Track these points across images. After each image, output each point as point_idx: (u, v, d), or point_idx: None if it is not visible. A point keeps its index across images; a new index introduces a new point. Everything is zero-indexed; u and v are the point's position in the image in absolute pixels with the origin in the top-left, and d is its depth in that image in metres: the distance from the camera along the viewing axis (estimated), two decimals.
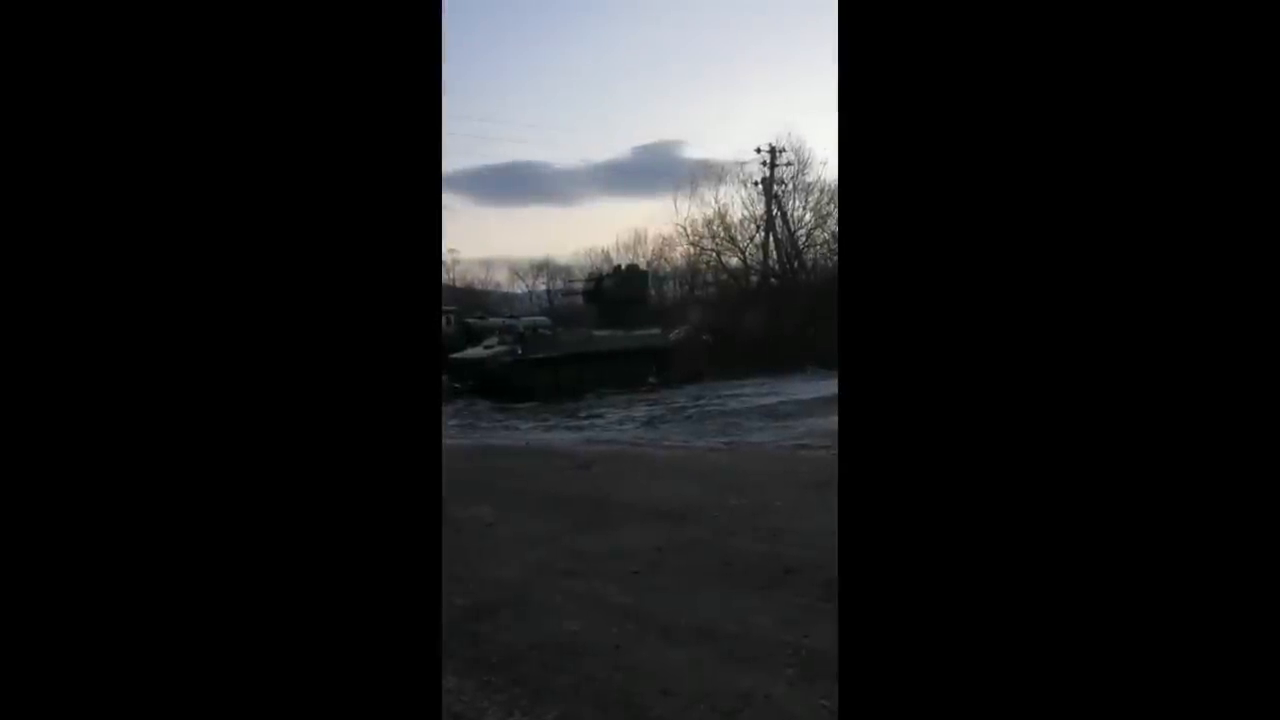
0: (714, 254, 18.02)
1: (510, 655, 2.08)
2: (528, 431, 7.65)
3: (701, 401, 9.38)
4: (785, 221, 17.49)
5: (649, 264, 18.53)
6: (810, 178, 17.67)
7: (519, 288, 26.87)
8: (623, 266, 15.32)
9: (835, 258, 15.37)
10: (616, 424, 7.88)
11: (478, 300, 22.47)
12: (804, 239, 17.65)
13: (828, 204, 16.95)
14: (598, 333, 12.09)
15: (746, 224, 17.75)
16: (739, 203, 18.65)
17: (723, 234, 17.79)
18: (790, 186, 17.59)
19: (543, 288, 24.89)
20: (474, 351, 11.34)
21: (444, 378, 10.23)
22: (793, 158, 17.53)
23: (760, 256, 17.52)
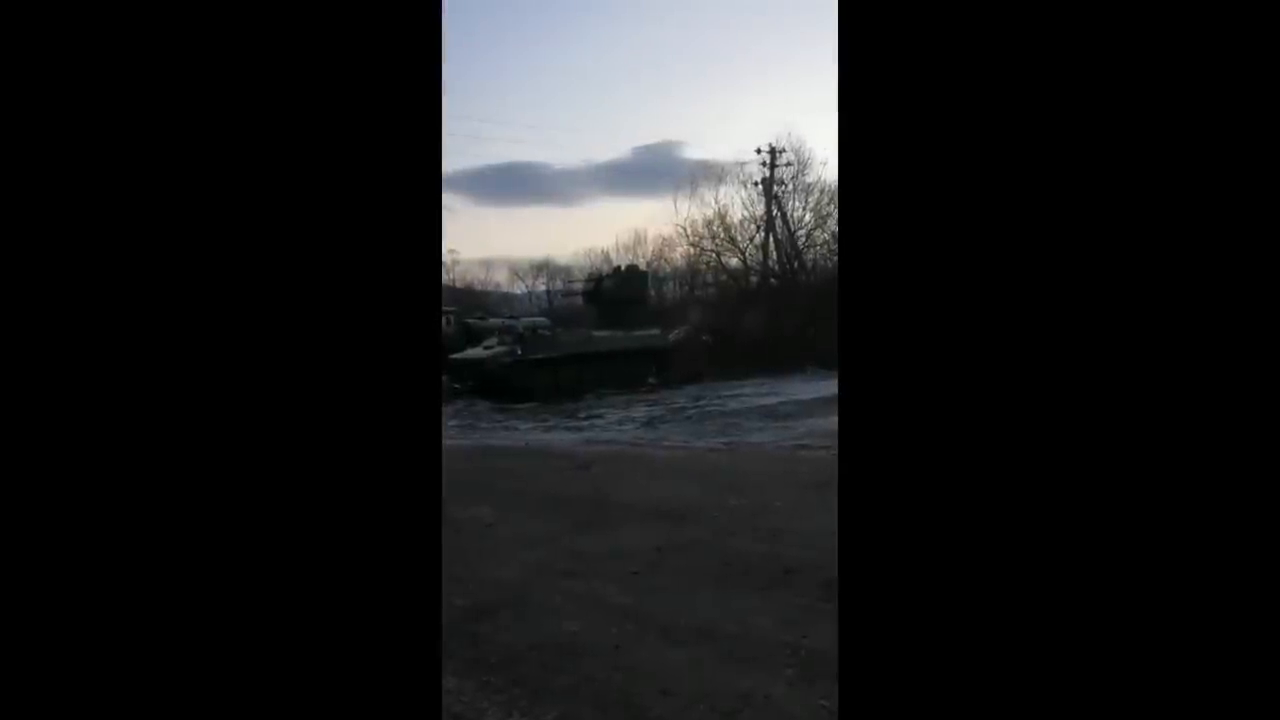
0: (714, 254, 18.03)
1: (510, 655, 2.08)
2: (527, 432, 7.65)
3: (701, 402, 9.38)
4: (785, 222, 17.50)
5: (649, 264, 18.55)
6: (810, 178, 17.69)
7: (519, 288, 26.90)
8: (622, 267, 15.33)
9: (835, 258, 15.38)
10: (616, 424, 7.88)
11: (477, 301, 22.47)
12: (804, 239, 17.67)
13: (828, 204, 16.96)
14: (597, 333, 12.09)
15: (746, 224, 17.77)
16: (739, 203, 18.70)
17: (723, 234, 17.80)
18: (790, 187, 17.61)
19: (542, 288, 24.91)
20: (474, 352, 11.34)
21: (444, 378, 10.23)
22: (793, 158, 17.55)
23: (760, 257, 17.53)
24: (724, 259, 17.86)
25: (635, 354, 11.88)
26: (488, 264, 28.31)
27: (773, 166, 17.34)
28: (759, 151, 17.38)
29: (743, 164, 17.77)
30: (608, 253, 21.56)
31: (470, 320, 14.70)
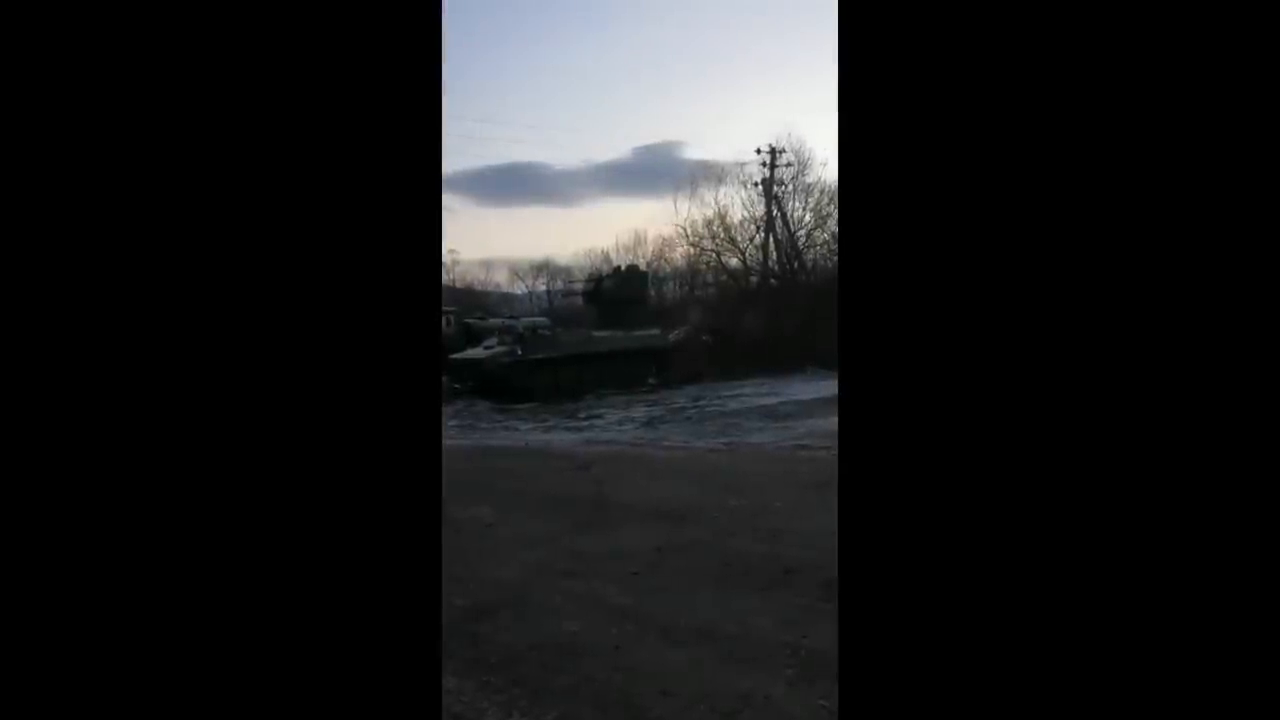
0: (714, 255, 18.04)
1: (510, 656, 2.08)
2: (527, 432, 7.65)
3: (701, 402, 9.38)
4: (785, 222, 17.50)
5: (649, 265, 18.55)
6: (810, 179, 17.70)
7: (519, 288, 26.90)
8: (622, 267, 15.34)
9: (835, 258, 15.38)
10: (616, 424, 7.88)
11: (478, 301, 22.48)
12: (804, 240, 17.67)
13: (827, 205, 16.96)
14: (597, 333, 12.10)
15: (746, 225, 17.77)
16: (739, 203, 18.71)
17: (723, 235, 17.81)
18: (790, 187, 17.61)
19: (543, 288, 24.91)
20: (474, 352, 11.34)
21: (444, 378, 10.23)
22: (793, 159, 17.55)
23: (760, 257, 17.53)
24: (724, 259, 17.88)
25: (635, 354, 11.88)
26: (488, 264, 28.33)
27: (773, 167, 17.34)
28: (759, 152, 17.39)
29: (743, 164, 17.79)
30: (608, 253, 21.58)
31: (470, 320, 14.70)
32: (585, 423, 8.16)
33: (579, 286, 15.84)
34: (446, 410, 9.00)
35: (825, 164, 18.46)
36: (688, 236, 18.25)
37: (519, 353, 10.69)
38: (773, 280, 17.05)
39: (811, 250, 17.54)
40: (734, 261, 17.79)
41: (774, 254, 17.44)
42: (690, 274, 18.92)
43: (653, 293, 16.43)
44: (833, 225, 16.53)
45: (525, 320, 13.59)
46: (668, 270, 19.90)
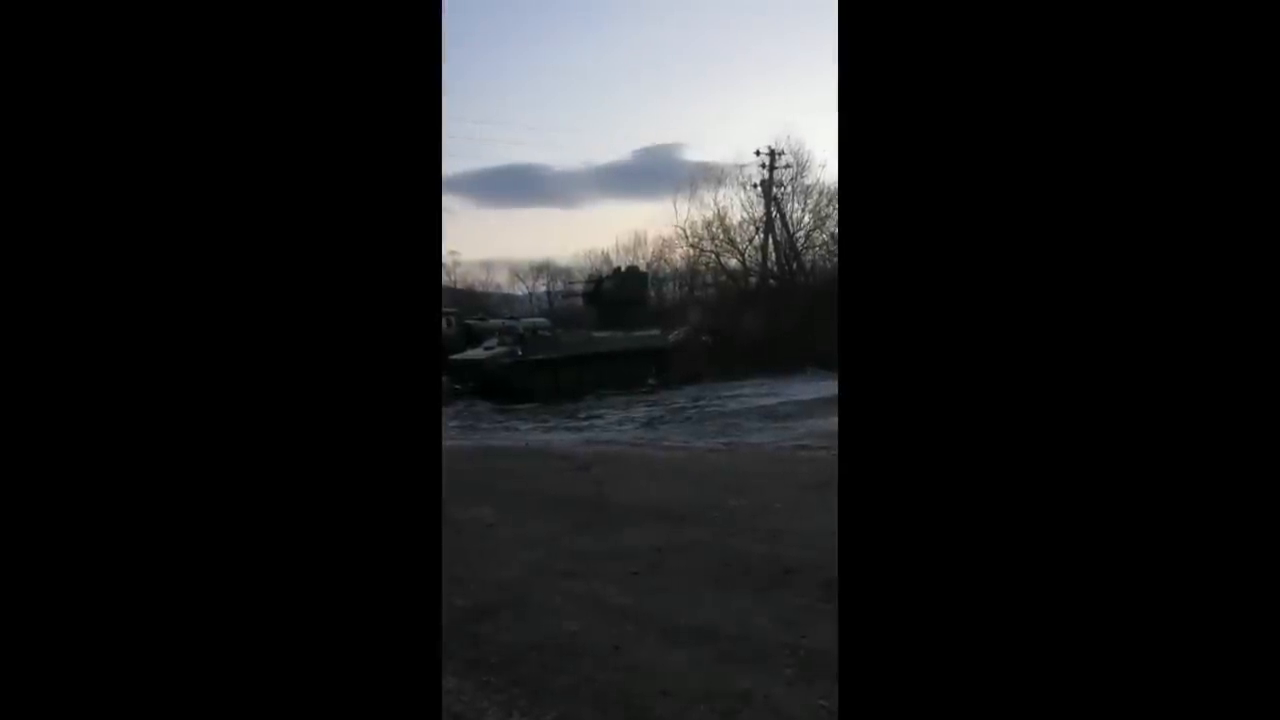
0: (713, 256, 18.06)
1: (510, 656, 2.09)
2: (528, 433, 7.65)
3: (701, 402, 9.39)
4: (784, 223, 17.52)
5: (649, 266, 18.56)
6: (809, 180, 17.73)
7: (519, 289, 26.90)
8: (622, 268, 15.36)
9: (834, 259, 15.41)
10: (616, 425, 7.88)
11: (478, 302, 22.48)
12: (803, 241, 17.69)
13: (826, 206, 16.99)
14: (597, 334, 12.11)
15: (746, 226, 17.79)
16: (738, 205, 18.73)
17: (722, 236, 17.83)
18: (789, 189, 17.64)
19: (543, 289, 24.91)
20: (474, 353, 11.35)
21: (444, 379, 10.24)
22: (792, 160, 17.58)
23: (759, 258, 17.55)
24: (723, 260, 17.90)
25: (635, 355, 11.89)
26: (488, 265, 28.32)
27: (772, 169, 17.36)
28: (758, 154, 17.41)
29: (742, 166, 17.82)
30: (608, 254, 21.60)
31: (471, 321, 14.71)
32: (585, 423, 8.17)
33: (579, 287, 15.85)
34: (447, 411, 9.01)
35: (824, 165, 18.52)
36: (687, 238, 18.29)
37: (519, 353, 10.70)
38: (772, 281, 17.07)
39: (810, 251, 17.58)
40: (733, 262, 17.82)
41: (773, 255, 17.46)
42: (690, 275, 18.95)
43: (652, 294, 16.46)
44: (831, 226, 16.55)
45: (526, 321, 13.59)
46: (667, 271, 19.93)
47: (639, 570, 2.78)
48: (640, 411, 8.84)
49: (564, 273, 24.04)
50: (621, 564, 2.86)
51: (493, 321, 14.84)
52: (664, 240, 19.99)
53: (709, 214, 18.15)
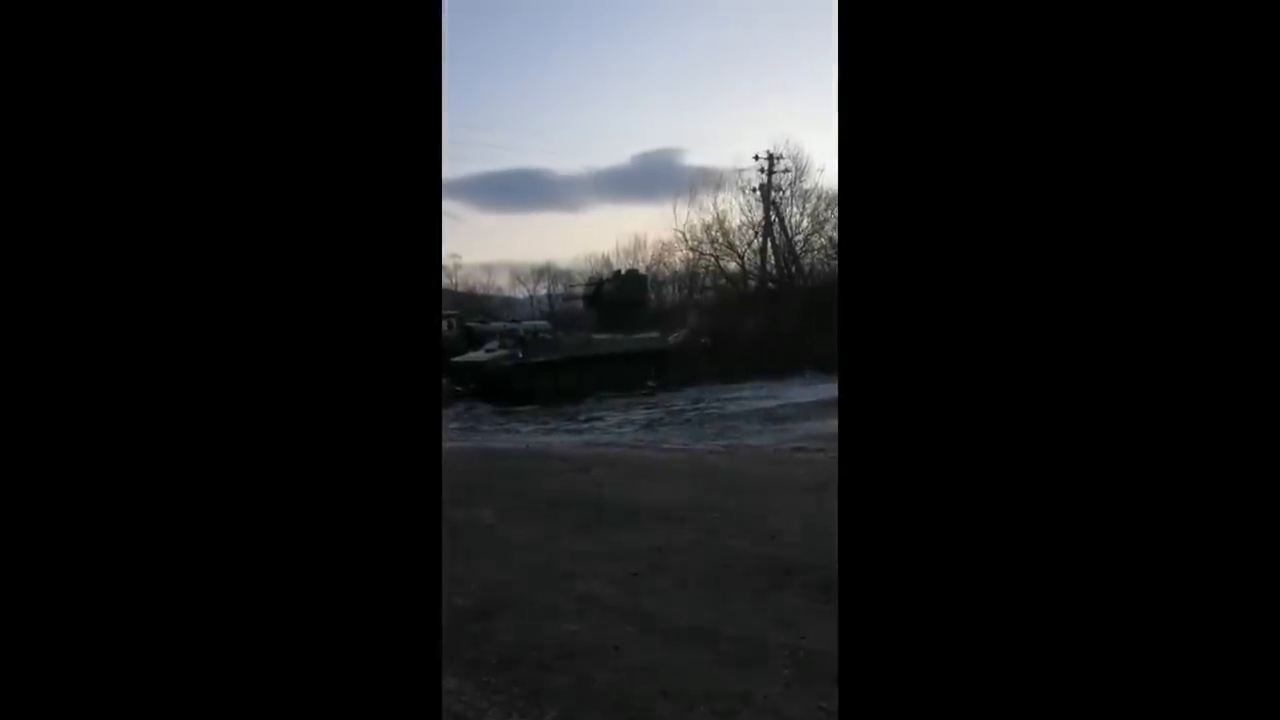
0: (713, 259, 18.10)
1: (510, 656, 2.09)
2: (528, 434, 7.65)
3: (700, 405, 9.39)
4: (783, 227, 17.55)
5: (649, 269, 18.61)
6: (807, 185, 17.78)
7: (520, 292, 26.89)
8: (623, 271, 15.37)
9: (832, 263, 15.44)
10: (616, 427, 7.89)
11: (480, 305, 22.47)
12: (801, 244, 17.72)
13: (824, 210, 17.03)
14: (598, 336, 12.12)
15: (745, 230, 17.83)
16: (737, 209, 18.79)
17: (721, 239, 17.87)
18: (788, 193, 17.68)
19: (544, 292, 24.92)
20: (475, 355, 11.36)
21: (445, 381, 10.23)
22: (790, 165, 17.62)
23: (758, 262, 17.57)
24: (722, 264, 17.95)
25: (635, 357, 11.90)
26: (490, 269, 28.32)
27: (770, 173, 17.39)
28: (757, 158, 17.45)
29: (741, 171, 17.86)
30: (608, 257, 21.62)
31: (472, 324, 14.70)
32: (585, 425, 8.17)
33: (580, 290, 15.87)
34: (448, 413, 9.00)
35: (822, 170, 18.59)
36: (687, 241, 18.33)
37: (520, 356, 10.71)
38: (770, 284, 17.08)
39: (809, 255, 17.61)
40: (732, 266, 17.86)
41: (772, 259, 17.48)
42: (689, 278, 18.98)
43: (652, 296, 16.49)
44: (829, 230, 16.58)
45: (526, 323, 13.62)
46: (667, 274, 19.96)
47: (639, 571, 2.78)
48: (640, 413, 8.84)
49: (565, 276, 24.05)
50: (621, 565, 2.86)
51: (494, 324, 14.84)
52: (664, 244, 20.04)
53: (708, 218, 18.21)
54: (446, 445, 4.79)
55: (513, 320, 15.66)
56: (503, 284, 27.86)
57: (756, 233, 17.59)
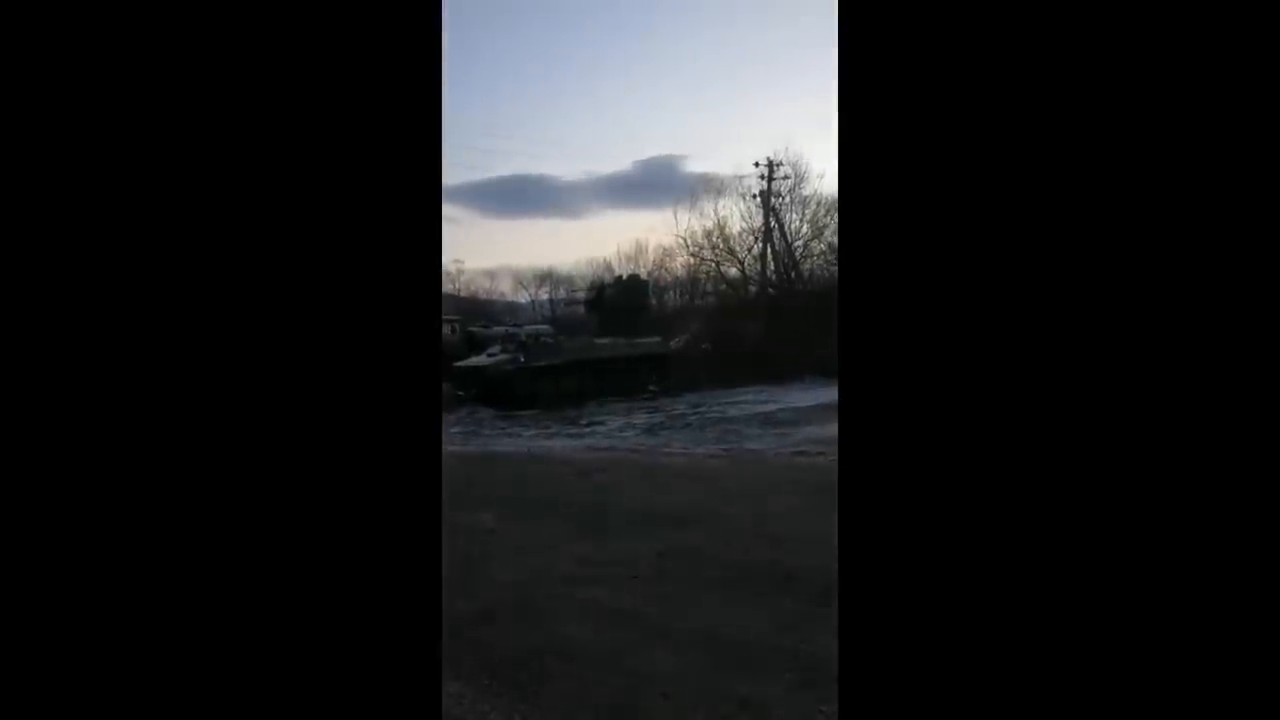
0: (713, 264, 18.15)
1: (511, 660, 2.09)
2: (529, 439, 7.65)
3: (701, 409, 9.38)
4: (783, 233, 17.58)
5: (650, 274, 18.64)
6: (807, 191, 17.82)
7: (522, 297, 26.94)
8: (624, 276, 15.37)
9: (831, 269, 15.46)
10: (617, 431, 7.88)
11: (482, 309, 22.51)
12: (801, 250, 17.74)
13: (824, 216, 17.06)
14: (599, 341, 12.12)
15: (745, 235, 17.86)
16: (738, 215, 18.83)
17: (722, 245, 17.91)
18: (788, 199, 17.71)
19: (546, 297, 24.96)
20: (477, 359, 11.36)
21: (447, 385, 10.24)
22: (790, 171, 17.66)
23: (758, 267, 17.60)
24: (723, 269, 17.99)
25: (636, 361, 11.90)
26: (492, 274, 28.43)
27: (770, 179, 17.43)
28: (757, 165, 17.48)
29: (741, 177, 17.93)
30: (610, 263, 21.67)
31: (474, 328, 14.73)
32: (587, 429, 8.16)
33: (581, 295, 15.87)
34: (450, 417, 9.01)
35: (822, 176, 18.62)
36: (688, 247, 18.37)
37: (522, 360, 10.71)
38: (771, 290, 17.10)
39: (809, 260, 17.63)
40: (733, 271, 17.90)
41: (772, 264, 17.51)
42: (690, 283, 19.03)
43: (653, 301, 16.50)
44: (829, 236, 16.62)
45: (528, 328, 13.64)
46: (668, 279, 19.99)
47: (639, 575, 2.78)
48: (641, 418, 8.83)
49: (566, 281, 24.08)
50: (622, 569, 2.86)
51: (496, 328, 14.87)
52: (665, 249, 20.07)
53: (709, 224, 18.26)
54: (448, 449, 4.79)
55: (514, 325, 15.68)
56: (505, 289, 27.92)
57: (757, 238, 17.62)
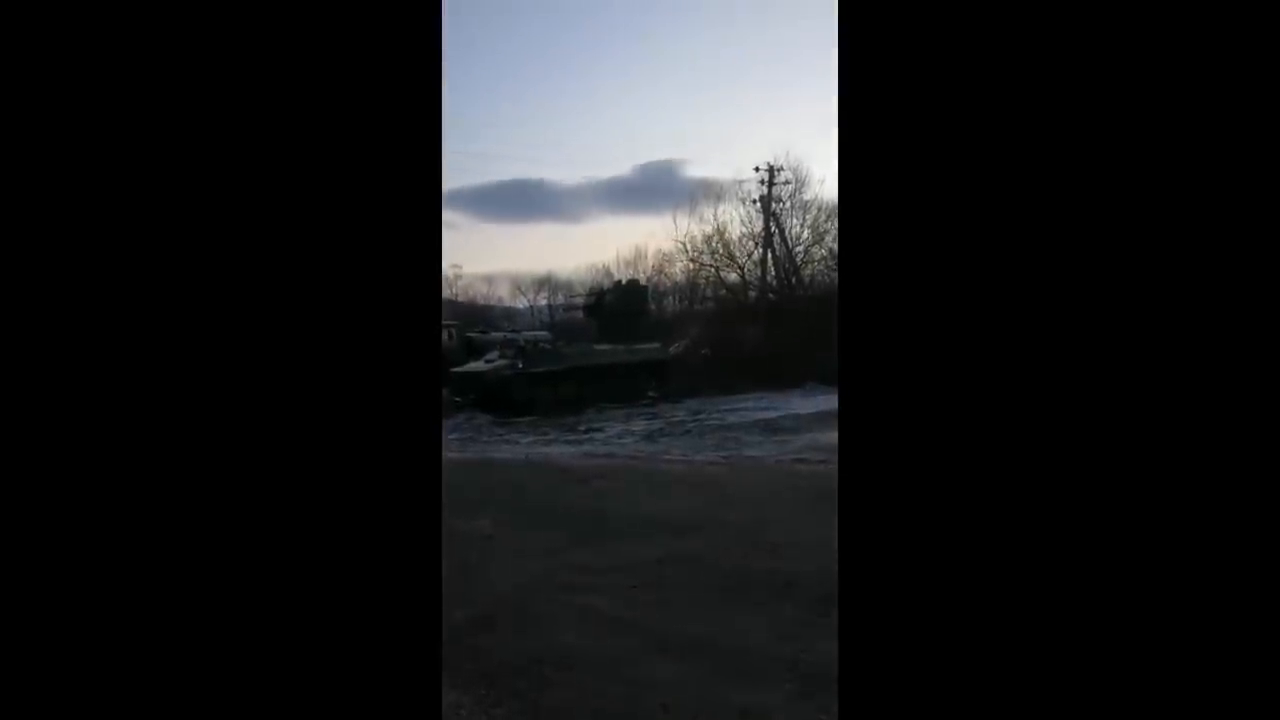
0: (713, 270, 18.16)
1: (509, 668, 2.08)
2: (528, 445, 7.64)
3: (700, 415, 9.38)
4: (783, 238, 17.61)
5: (649, 279, 18.64)
6: (808, 196, 17.87)
7: (521, 302, 26.96)
8: (623, 282, 15.40)
9: (832, 274, 15.49)
10: (616, 438, 7.87)
11: (480, 315, 22.53)
12: (801, 256, 17.78)
13: (824, 221, 17.11)
14: (598, 347, 12.13)
15: (745, 241, 17.89)
16: (738, 220, 18.84)
17: (722, 250, 17.94)
18: (788, 205, 17.76)
19: (544, 303, 24.99)
20: (475, 365, 11.36)
21: (445, 391, 10.23)
22: (790, 176, 17.71)
23: (758, 273, 17.63)
24: (723, 274, 18.00)
25: (635, 367, 11.90)
26: (491, 279, 28.40)
27: (771, 184, 17.48)
28: (757, 170, 17.53)
29: (742, 182, 17.94)
30: (609, 268, 21.69)
31: (472, 334, 14.74)
32: (585, 436, 8.16)
33: (580, 301, 15.90)
34: (448, 424, 8.99)
35: (822, 181, 18.70)
36: (687, 252, 18.39)
37: (520, 366, 10.71)
38: (771, 295, 17.12)
39: (809, 266, 17.67)
40: (733, 277, 17.91)
41: (772, 270, 17.54)
42: (690, 289, 19.04)
43: (653, 307, 16.51)
44: (829, 241, 16.65)
45: (527, 334, 13.66)
46: (668, 285, 20.01)
47: (638, 583, 2.77)
48: (640, 424, 8.83)
49: (565, 286, 24.14)
50: (621, 576, 2.85)
51: (494, 334, 14.87)
52: (664, 255, 20.08)
53: (709, 229, 18.27)
54: (445, 455, 4.78)
55: (513, 330, 15.70)
56: (503, 294, 27.96)
57: (757, 244, 17.65)
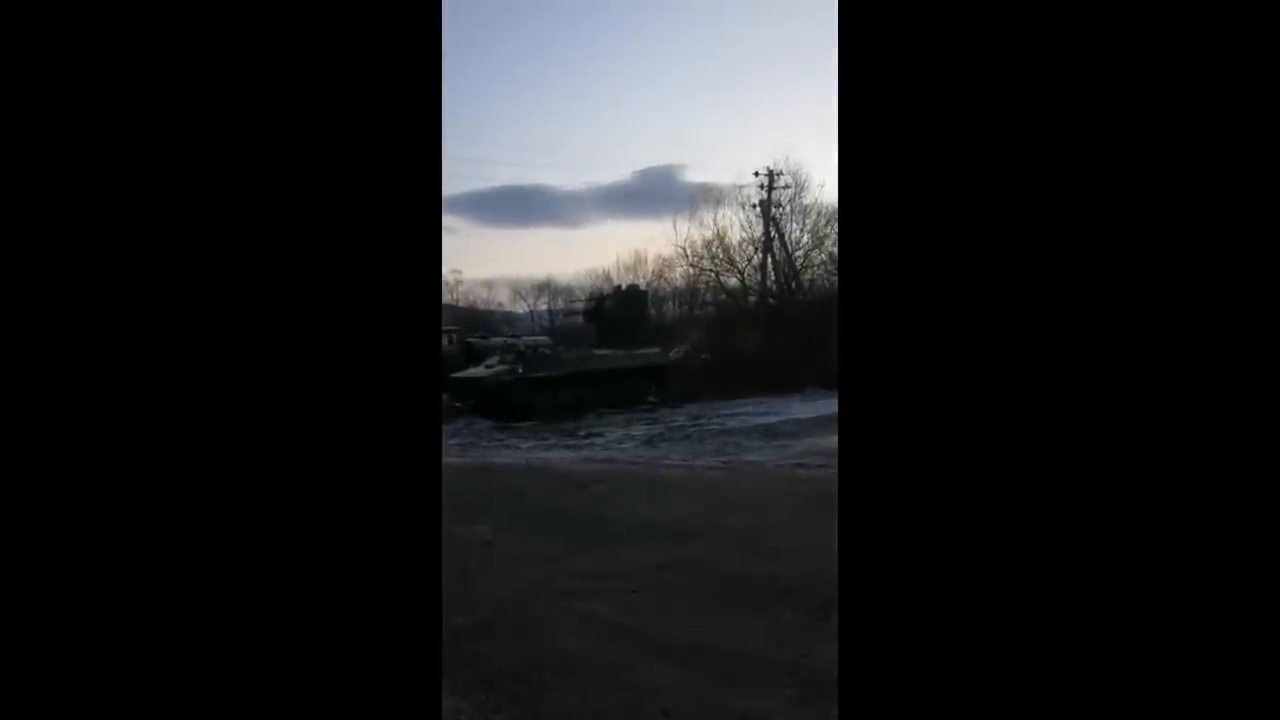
0: (713, 275, 18.17)
1: (509, 674, 2.08)
2: (528, 450, 7.64)
3: (700, 420, 9.38)
4: (783, 243, 17.63)
5: (649, 284, 18.67)
6: (807, 200, 17.89)
7: (521, 307, 26.97)
8: (623, 287, 15.42)
9: (832, 279, 15.51)
10: (616, 443, 7.87)
11: (480, 320, 22.53)
12: (801, 260, 17.80)
13: (824, 226, 17.12)
14: (598, 352, 12.13)
15: (745, 245, 17.91)
16: (737, 225, 18.82)
17: (721, 255, 17.95)
18: (788, 209, 17.79)
19: (544, 307, 25.00)
20: (475, 370, 11.37)
21: (445, 397, 10.24)
22: (790, 181, 17.74)
23: (758, 277, 17.65)
24: (723, 279, 18.01)
25: (635, 372, 11.91)
26: (491, 284, 28.43)
27: (770, 189, 17.52)
28: (757, 175, 17.58)
29: (741, 187, 17.97)
30: (609, 273, 21.73)
31: (472, 339, 14.74)
32: (585, 441, 8.15)
33: (580, 306, 15.91)
34: (448, 428, 8.99)
35: (822, 186, 18.72)
36: (687, 257, 18.41)
37: (520, 371, 10.72)
38: (771, 300, 17.13)
39: (809, 270, 17.68)
40: (733, 281, 17.92)
41: (772, 274, 17.56)
42: (690, 294, 19.06)
43: (653, 312, 16.53)
44: (829, 246, 16.66)
45: (527, 339, 13.67)
46: (668, 290, 20.05)
47: (638, 588, 2.77)
48: (640, 429, 8.83)
49: (565, 291, 24.13)
50: (621, 582, 2.85)
51: (494, 339, 14.88)
52: (664, 259, 20.12)
53: (709, 234, 18.27)
54: (446, 461, 4.78)
55: (513, 336, 15.70)
56: (503, 299, 27.97)
57: (757, 248, 17.67)
